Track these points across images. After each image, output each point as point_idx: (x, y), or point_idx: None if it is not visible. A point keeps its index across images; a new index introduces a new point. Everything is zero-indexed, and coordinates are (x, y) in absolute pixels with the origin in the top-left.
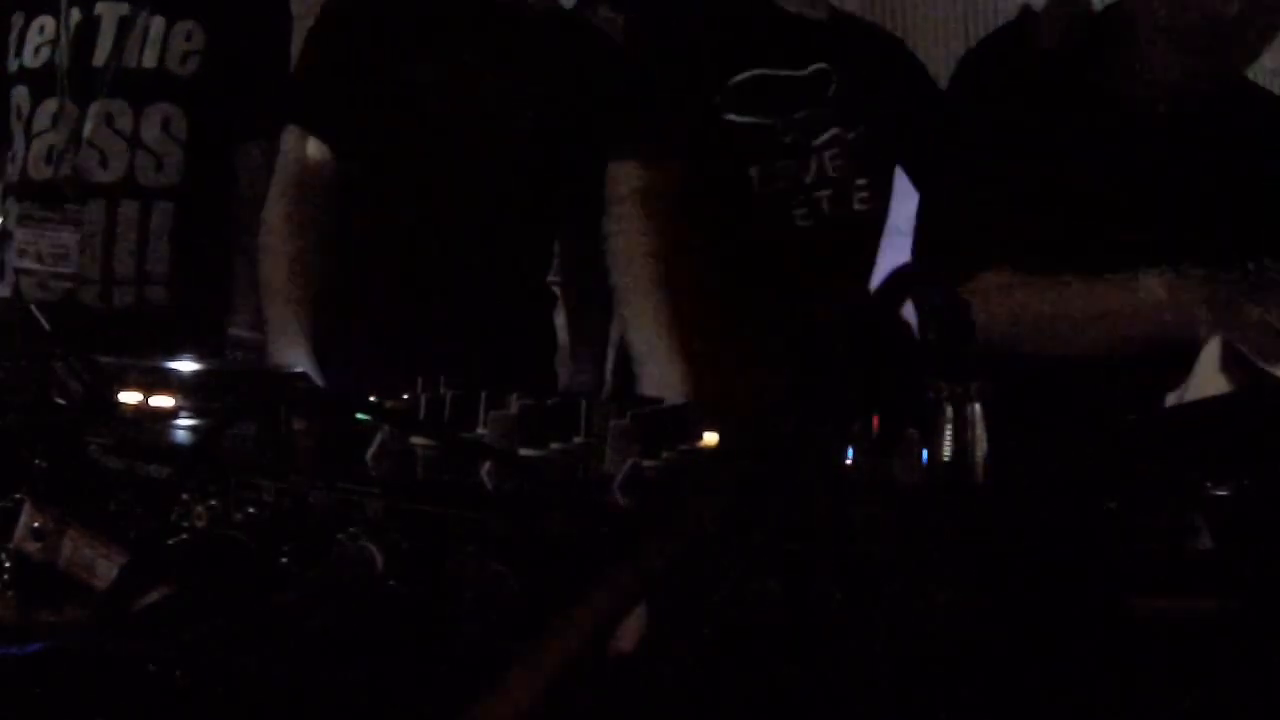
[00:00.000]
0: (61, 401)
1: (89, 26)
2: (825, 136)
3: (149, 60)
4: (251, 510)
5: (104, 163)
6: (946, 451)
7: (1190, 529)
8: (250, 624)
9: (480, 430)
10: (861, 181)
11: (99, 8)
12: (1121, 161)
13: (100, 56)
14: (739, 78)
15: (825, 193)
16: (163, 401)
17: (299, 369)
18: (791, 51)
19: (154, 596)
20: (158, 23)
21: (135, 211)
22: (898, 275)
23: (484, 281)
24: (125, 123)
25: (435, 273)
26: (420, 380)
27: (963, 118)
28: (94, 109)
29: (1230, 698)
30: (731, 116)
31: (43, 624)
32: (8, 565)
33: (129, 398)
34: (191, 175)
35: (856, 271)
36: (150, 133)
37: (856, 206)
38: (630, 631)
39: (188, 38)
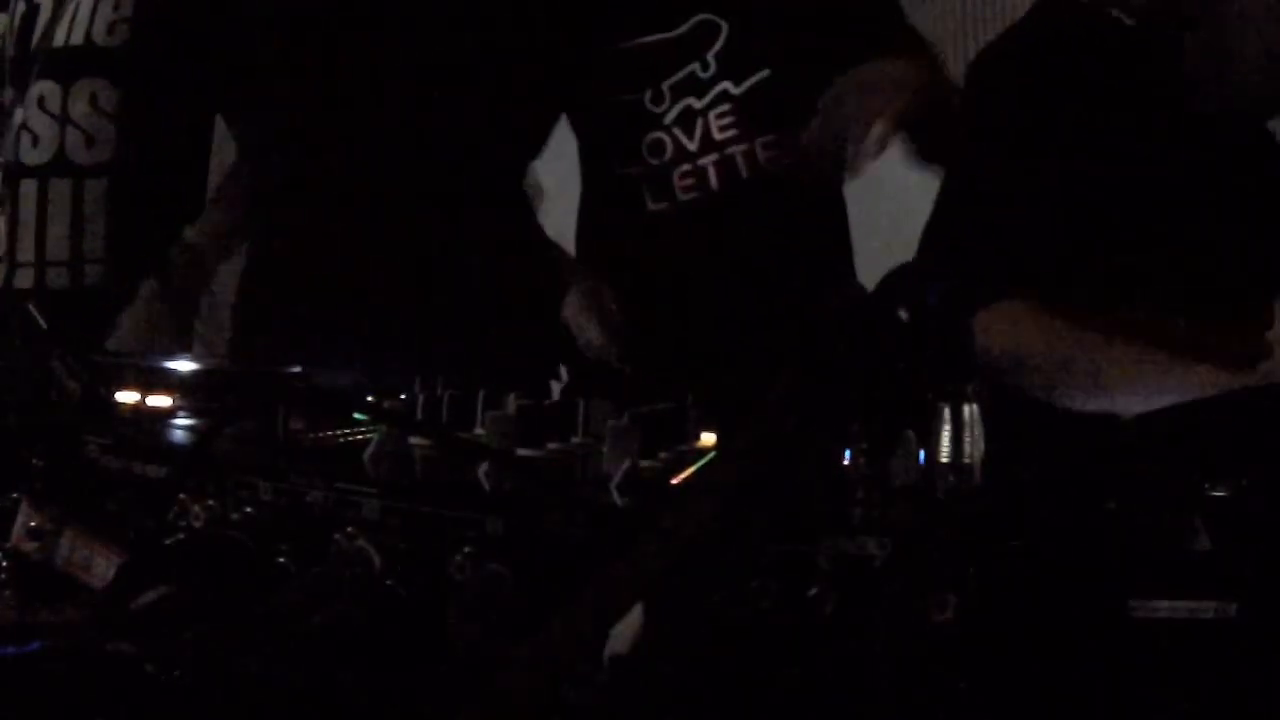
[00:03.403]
0: (59, 401)
1: (31, 13)
2: (710, 96)
3: (76, 37)
4: (249, 510)
5: (35, 143)
6: (944, 452)
7: (1190, 530)
8: (248, 624)
9: (478, 430)
10: (767, 138)
11: None
12: (1169, 165)
13: (35, 42)
14: (611, 50)
15: (710, 159)
16: (160, 401)
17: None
18: (664, 8)
19: (152, 596)
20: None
21: (67, 190)
22: (896, 275)
23: (478, 279)
24: (54, 103)
25: (430, 270)
26: (418, 380)
27: (984, 114)
28: (30, 93)
29: (1230, 698)
30: (608, 96)
31: (40, 623)
32: (5, 565)
33: (127, 397)
34: (126, 150)
35: (802, 241)
36: (78, 109)
37: (765, 166)
38: (630, 631)
39: (115, 7)
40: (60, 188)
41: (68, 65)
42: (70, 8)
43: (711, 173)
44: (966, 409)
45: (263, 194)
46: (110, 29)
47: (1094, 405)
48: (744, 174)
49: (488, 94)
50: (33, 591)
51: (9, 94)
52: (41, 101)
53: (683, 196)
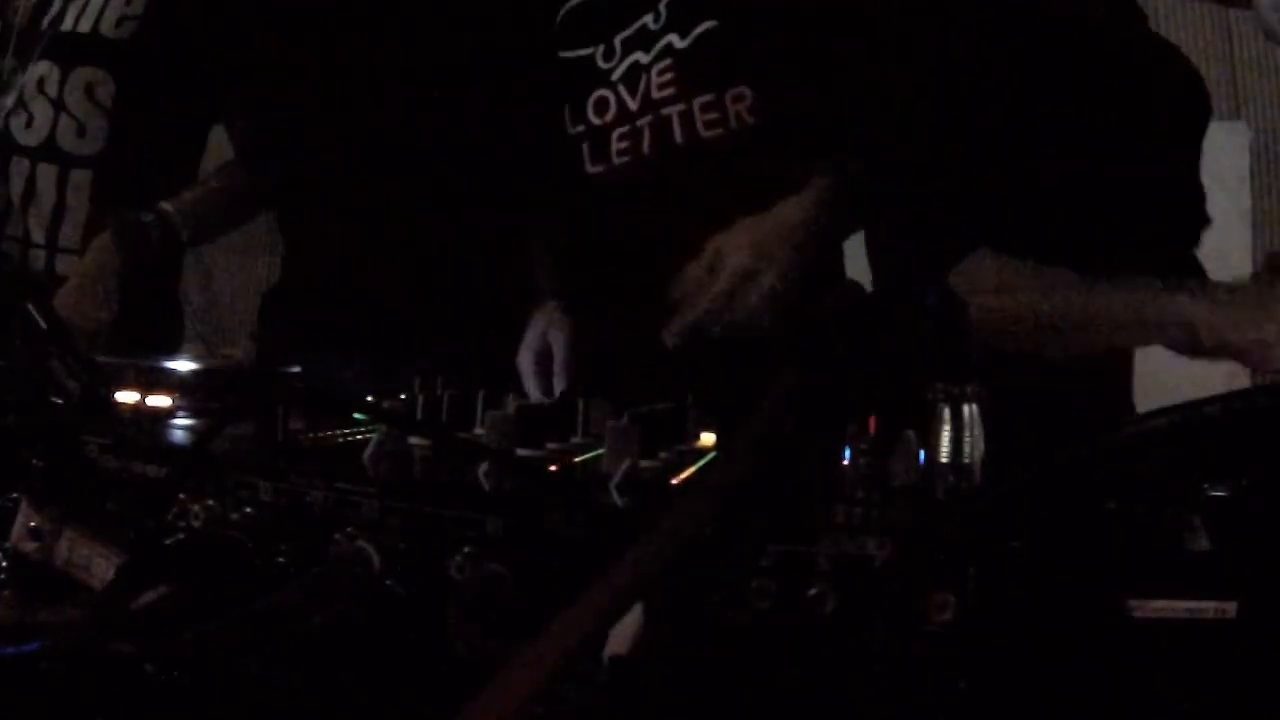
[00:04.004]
0: (59, 401)
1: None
2: (655, 50)
3: (85, 24)
4: (249, 510)
5: (29, 124)
6: (944, 452)
7: (1190, 530)
8: (248, 624)
9: (477, 430)
10: (706, 98)
11: None
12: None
13: (47, 21)
14: (567, 7)
15: (645, 120)
16: (160, 401)
17: None
18: None
19: (152, 596)
20: None
21: (53, 176)
22: (894, 274)
23: (477, 280)
24: (52, 86)
25: (427, 271)
26: (418, 380)
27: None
28: (31, 71)
29: (1230, 698)
30: (564, 54)
31: (40, 623)
32: (5, 565)
33: (126, 397)
34: (115, 144)
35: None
36: (73, 96)
37: (702, 133)
38: (630, 631)
39: (128, 2)
40: (47, 173)
41: (71, 50)
42: None
43: (645, 135)
44: (966, 409)
45: (261, 195)
46: (119, 22)
47: (1041, 350)
48: (677, 138)
49: (486, 93)
50: (32, 591)
51: (9, 63)
52: (41, 83)
53: (616, 160)
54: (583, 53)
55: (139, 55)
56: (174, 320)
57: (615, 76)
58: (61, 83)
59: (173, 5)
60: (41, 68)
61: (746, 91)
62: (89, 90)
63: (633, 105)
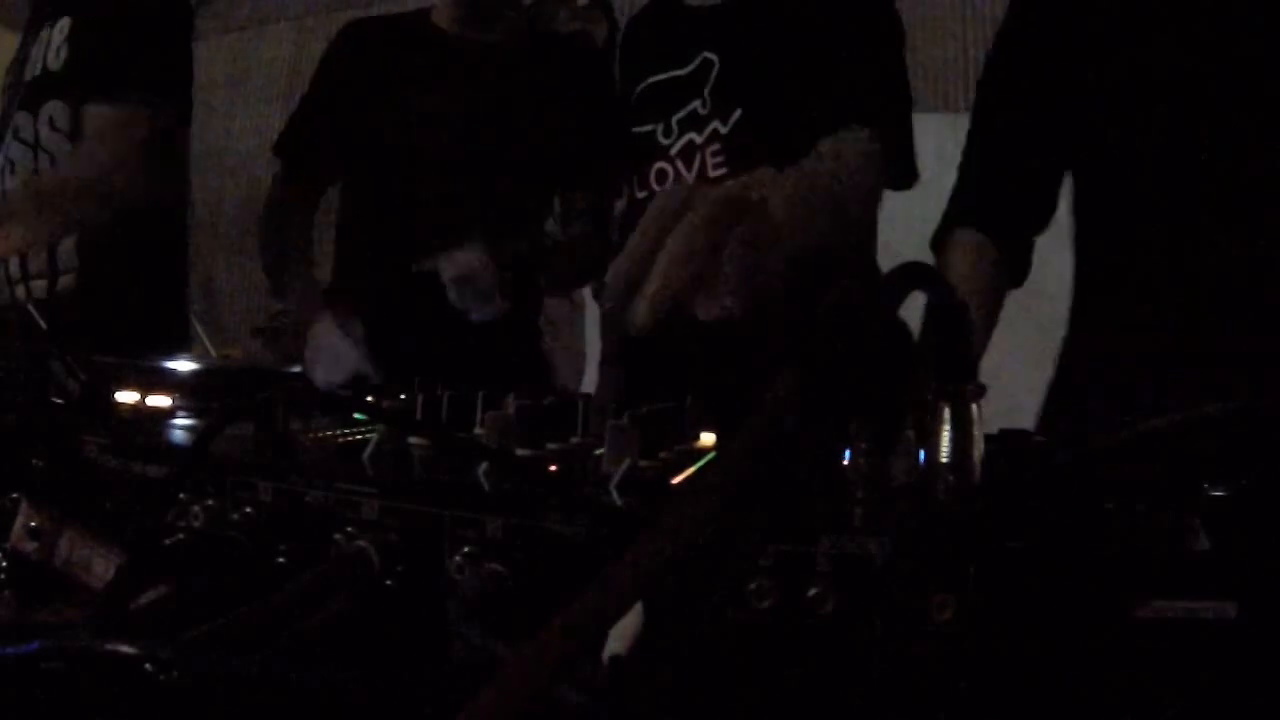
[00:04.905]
0: (58, 401)
1: (35, 47)
2: (706, 133)
3: (38, 67)
4: (249, 510)
5: (12, 171)
6: (944, 452)
7: (1190, 530)
8: (248, 624)
9: (477, 430)
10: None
11: (44, 30)
12: None
13: (27, 74)
14: (640, 87)
15: None
16: (160, 401)
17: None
18: (682, 47)
19: (152, 596)
20: (47, 30)
21: None
22: (894, 273)
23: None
24: (28, 132)
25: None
26: (417, 381)
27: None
28: (10, 125)
29: (1230, 698)
30: (635, 129)
31: (40, 623)
32: (4, 565)
33: (126, 397)
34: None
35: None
36: (44, 132)
37: None
38: (630, 631)
39: (61, 30)
40: None
41: (34, 93)
42: (43, 39)
43: None
44: (966, 409)
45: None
46: (58, 52)
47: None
48: None
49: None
50: (32, 591)
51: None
52: (17, 132)
53: None
54: (648, 128)
55: (79, 77)
56: (181, 322)
57: (674, 152)
58: (34, 125)
59: (97, 23)
60: (18, 119)
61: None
62: (51, 122)
63: (689, 178)
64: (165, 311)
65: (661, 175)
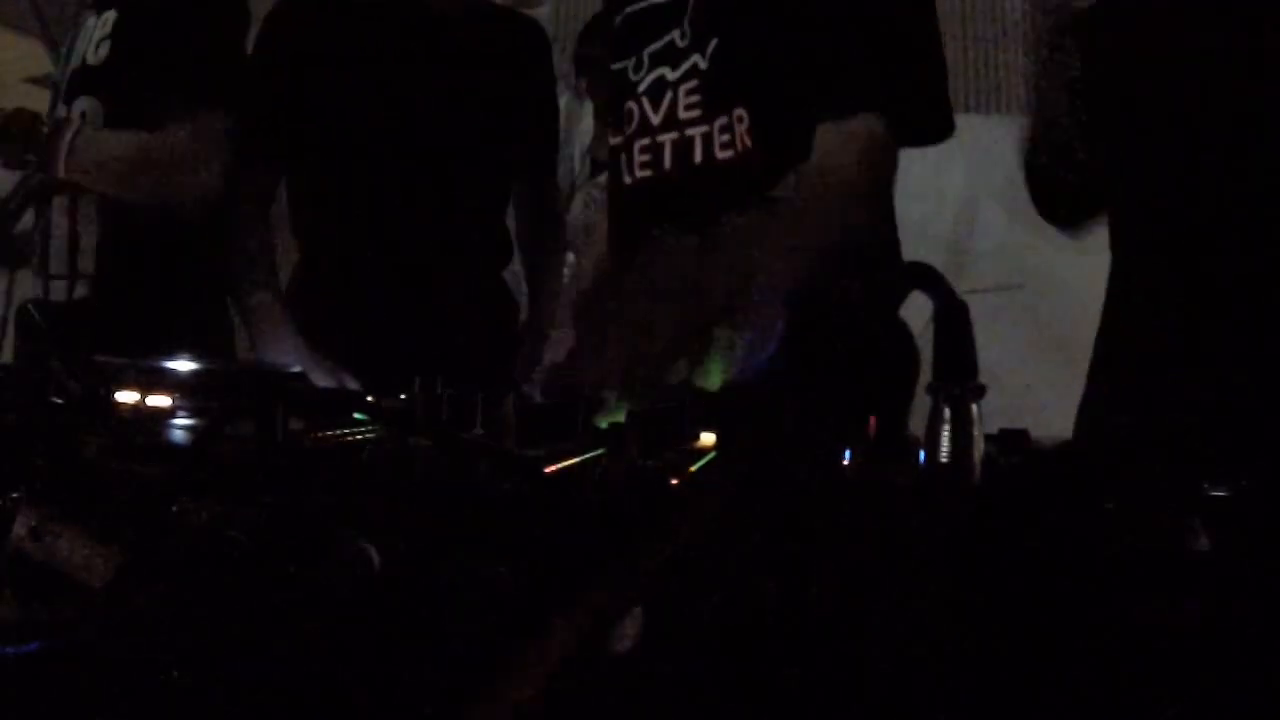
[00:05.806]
0: (59, 401)
1: (80, 40)
2: (681, 69)
3: (75, 59)
4: (249, 510)
5: None
6: (944, 452)
7: (1190, 530)
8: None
9: (477, 430)
10: (722, 120)
11: (89, 20)
12: None
13: (71, 66)
14: (619, 19)
15: (668, 137)
16: (160, 401)
17: (293, 366)
18: None
19: (152, 596)
20: (92, 20)
21: (64, 207)
22: (893, 273)
23: (442, 277)
24: None
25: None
26: (417, 380)
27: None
28: (53, 119)
29: (1230, 699)
30: (613, 65)
31: (40, 623)
32: (5, 565)
33: (126, 397)
34: None
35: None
36: None
37: (719, 155)
38: (630, 631)
39: (104, 25)
40: (59, 205)
41: (72, 87)
42: (86, 31)
43: (667, 151)
44: (966, 409)
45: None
46: (98, 46)
47: None
48: (697, 159)
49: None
50: (32, 591)
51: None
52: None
53: (639, 173)
54: (620, 65)
55: (116, 73)
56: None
57: (641, 89)
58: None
59: (141, 20)
60: (59, 112)
61: (744, 113)
62: (83, 118)
63: (655, 119)
64: (211, 313)
65: (628, 115)
